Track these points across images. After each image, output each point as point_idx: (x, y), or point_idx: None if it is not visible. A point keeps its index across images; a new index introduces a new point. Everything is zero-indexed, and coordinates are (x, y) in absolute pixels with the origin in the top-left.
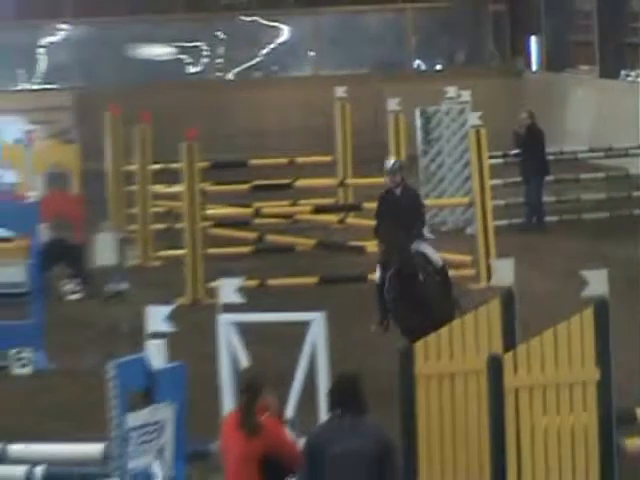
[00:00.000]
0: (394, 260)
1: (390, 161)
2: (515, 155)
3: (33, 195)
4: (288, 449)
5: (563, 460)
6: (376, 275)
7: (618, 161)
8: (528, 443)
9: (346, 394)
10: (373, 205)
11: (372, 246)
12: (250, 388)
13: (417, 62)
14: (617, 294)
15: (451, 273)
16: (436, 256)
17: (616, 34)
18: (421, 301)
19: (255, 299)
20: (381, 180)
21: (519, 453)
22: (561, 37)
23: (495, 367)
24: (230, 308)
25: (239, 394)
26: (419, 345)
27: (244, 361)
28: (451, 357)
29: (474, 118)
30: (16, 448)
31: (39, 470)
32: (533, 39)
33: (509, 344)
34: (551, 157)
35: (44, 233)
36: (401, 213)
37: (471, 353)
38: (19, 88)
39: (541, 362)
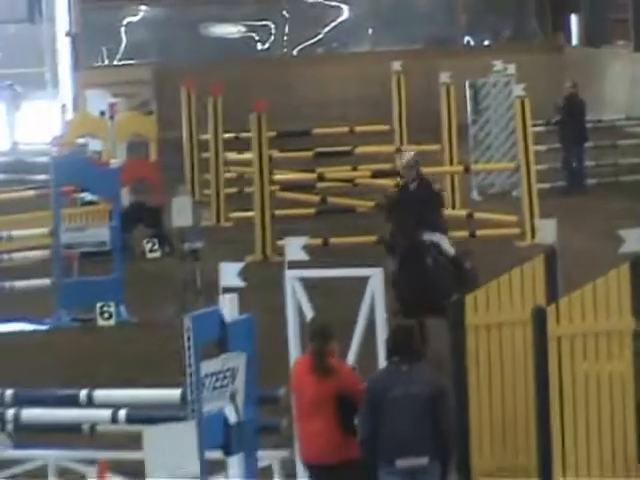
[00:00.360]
0: (400, 246)
1: (405, 156)
2: (556, 123)
3: (115, 162)
4: (359, 390)
5: (602, 405)
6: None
7: None
8: (570, 388)
9: (403, 343)
10: (428, 170)
11: None
12: (321, 334)
13: (467, 38)
14: None
15: (498, 232)
16: (450, 248)
17: None
18: (427, 287)
19: (318, 256)
20: (433, 147)
21: (561, 397)
22: (599, 15)
23: (539, 317)
24: (296, 264)
25: (310, 340)
26: (469, 297)
27: (309, 313)
28: (499, 309)
29: (519, 89)
30: (102, 393)
31: (123, 413)
32: (573, 17)
33: (552, 297)
34: (590, 125)
35: (125, 197)
36: (415, 207)
37: (517, 305)
38: (103, 64)
39: (582, 313)
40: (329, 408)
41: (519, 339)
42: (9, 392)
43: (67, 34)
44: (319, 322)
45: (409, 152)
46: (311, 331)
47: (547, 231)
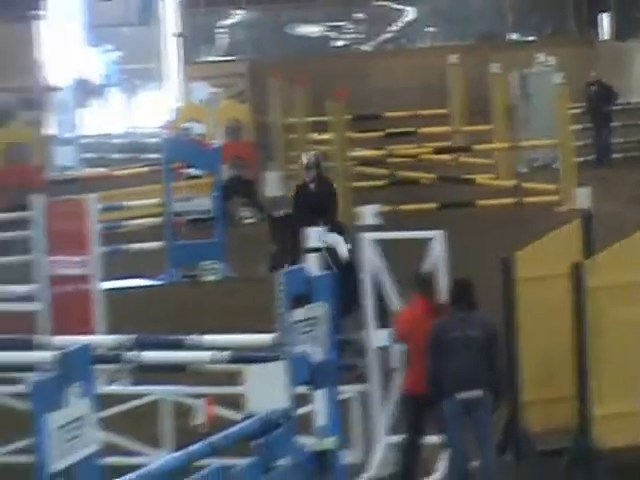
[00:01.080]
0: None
1: (307, 157)
2: (589, 106)
3: (216, 142)
4: None
5: (632, 345)
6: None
7: None
8: (604, 331)
9: (461, 294)
10: (481, 147)
11: (480, 179)
12: (430, 281)
13: (513, 34)
14: None
15: (541, 199)
16: (345, 252)
17: None
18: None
19: (389, 221)
20: (485, 128)
21: (597, 339)
22: (626, 13)
23: (577, 271)
24: (370, 228)
25: (421, 287)
26: (519, 254)
27: (382, 270)
28: (544, 264)
29: (558, 78)
30: (207, 338)
31: (225, 354)
32: (604, 15)
33: (588, 253)
34: (619, 107)
35: (225, 172)
36: (313, 207)
37: (559, 261)
38: (205, 60)
39: (614, 267)
40: None
41: (561, 290)
42: (129, 337)
43: (175, 35)
44: (424, 273)
45: (310, 153)
46: (422, 279)
47: (583, 198)
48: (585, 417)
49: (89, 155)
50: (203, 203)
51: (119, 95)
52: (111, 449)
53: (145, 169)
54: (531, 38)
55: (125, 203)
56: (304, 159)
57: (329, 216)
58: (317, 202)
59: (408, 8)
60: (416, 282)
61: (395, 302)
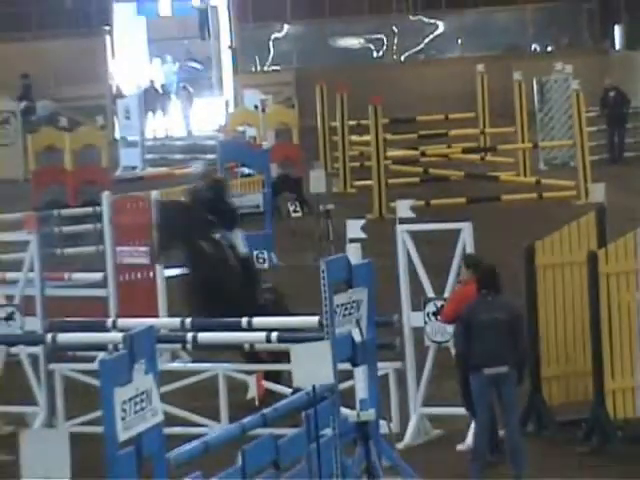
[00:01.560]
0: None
1: (194, 169)
2: (606, 110)
3: (266, 144)
4: None
5: None
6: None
7: None
8: (616, 312)
9: (489, 280)
10: (505, 147)
11: (504, 176)
12: (482, 262)
13: (534, 45)
14: None
15: (559, 194)
16: (243, 247)
17: None
18: (212, 293)
19: (422, 214)
20: (508, 130)
21: (610, 319)
22: (637, 25)
23: (592, 259)
24: (404, 220)
25: (475, 269)
26: (539, 243)
27: (417, 260)
28: (561, 252)
29: (575, 84)
30: (258, 320)
31: (274, 335)
32: (616, 27)
33: (602, 242)
34: (631, 111)
35: (274, 170)
36: (208, 211)
37: (575, 249)
38: (256, 70)
39: (625, 255)
40: None
41: (577, 276)
42: (188, 320)
43: (229, 47)
44: (477, 256)
45: (198, 164)
46: (475, 262)
47: (597, 192)
48: (600, 390)
49: (152, 156)
50: (254, 199)
51: (179, 102)
52: (172, 420)
53: None
54: (550, 49)
55: (184, 199)
56: (193, 170)
57: (226, 213)
58: (211, 207)
59: (439, 22)
60: (469, 264)
61: (428, 287)
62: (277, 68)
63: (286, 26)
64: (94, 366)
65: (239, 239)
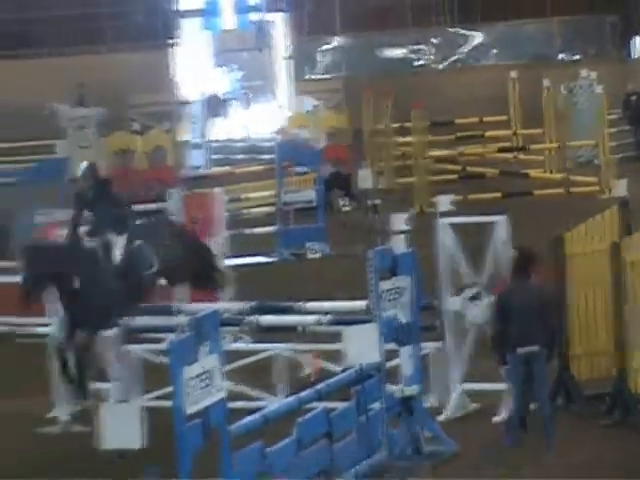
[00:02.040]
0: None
1: (80, 169)
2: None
3: (319, 145)
4: None
5: None
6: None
7: None
8: (638, 297)
9: (521, 266)
10: (535, 147)
11: (534, 173)
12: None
13: (561, 55)
14: None
15: (585, 189)
16: (119, 253)
17: None
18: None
19: (460, 208)
20: (538, 131)
21: (633, 305)
22: None
23: (615, 248)
24: (445, 214)
25: (529, 260)
26: (567, 234)
27: (455, 250)
28: (588, 242)
29: (599, 90)
30: (312, 304)
31: (325, 318)
32: (637, 38)
33: (625, 233)
34: None
35: (326, 168)
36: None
37: (601, 239)
38: (309, 78)
39: None
40: None
41: (602, 263)
42: (249, 304)
43: (284, 57)
44: (528, 248)
45: (84, 163)
46: (529, 254)
47: (620, 187)
48: (623, 367)
49: (216, 156)
50: (308, 194)
51: (240, 107)
52: (235, 396)
53: (261, 167)
54: (576, 57)
55: (244, 195)
56: (79, 171)
57: (110, 213)
58: (99, 204)
59: (475, 33)
60: (524, 256)
61: (467, 274)
62: (328, 77)
63: (336, 38)
64: (162, 347)
65: (120, 245)
